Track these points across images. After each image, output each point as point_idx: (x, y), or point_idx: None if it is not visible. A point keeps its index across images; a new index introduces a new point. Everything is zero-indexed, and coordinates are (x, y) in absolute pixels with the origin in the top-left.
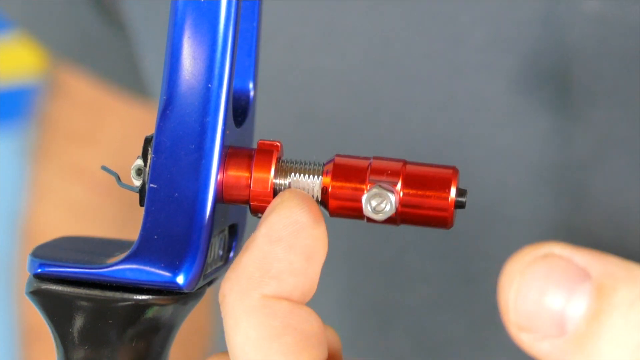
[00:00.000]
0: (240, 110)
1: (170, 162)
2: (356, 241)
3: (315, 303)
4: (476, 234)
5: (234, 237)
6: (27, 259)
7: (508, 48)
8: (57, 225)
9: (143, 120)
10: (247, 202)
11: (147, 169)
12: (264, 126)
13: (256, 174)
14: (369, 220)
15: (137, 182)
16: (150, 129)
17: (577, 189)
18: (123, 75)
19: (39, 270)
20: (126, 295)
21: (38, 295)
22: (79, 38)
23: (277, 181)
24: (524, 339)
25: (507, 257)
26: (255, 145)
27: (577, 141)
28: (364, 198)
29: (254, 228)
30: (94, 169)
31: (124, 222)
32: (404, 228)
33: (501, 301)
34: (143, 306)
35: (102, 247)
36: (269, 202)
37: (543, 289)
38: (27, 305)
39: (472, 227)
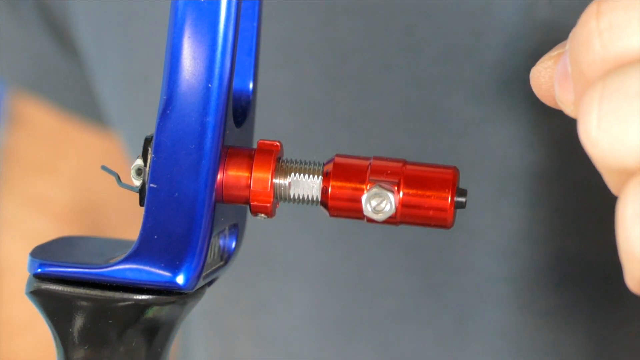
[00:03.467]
0: (240, 110)
1: (171, 162)
2: (321, 255)
3: (280, 317)
4: (438, 246)
5: (234, 237)
6: (27, 259)
7: (465, 58)
8: (18, 257)
9: (103, 149)
10: (247, 202)
11: (147, 168)
12: None
13: (256, 174)
14: (369, 220)
15: (137, 182)
16: (110, 158)
17: (538, 198)
18: (82, 104)
19: (39, 270)
20: (126, 295)
21: (38, 295)
22: (37, 68)
23: (277, 181)
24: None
25: (471, 268)
26: (255, 145)
27: (537, 150)
28: (363, 198)
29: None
30: (54, 199)
31: None
32: (367, 240)
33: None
34: (143, 306)
35: (101, 247)
36: (269, 202)
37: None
38: None
39: (435, 239)
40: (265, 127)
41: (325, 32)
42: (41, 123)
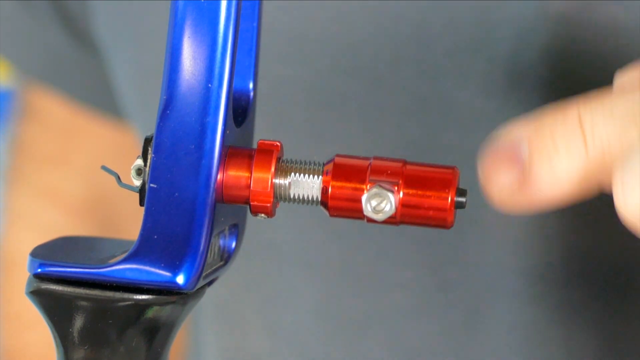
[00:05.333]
0: (240, 110)
1: (171, 162)
2: (331, 249)
3: (290, 310)
4: (449, 240)
5: (234, 237)
6: (27, 259)
7: (477, 52)
8: (30, 250)
9: (115, 141)
10: (247, 202)
11: (147, 168)
12: None
13: (256, 174)
14: (369, 220)
15: (137, 182)
16: (123, 150)
17: None
18: (95, 96)
19: (39, 270)
20: (126, 295)
21: (38, 295)
22: (50, 60)
23: (277, 181)
24: None
25: (481, 262)
26: (255, 145)
27: None
28: (364, 198)
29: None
30: (67, 191)
31: None
32: (377, 235)
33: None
34: (143, 306)
35: (102, 247)
36: (269, 202)
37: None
38: (4, 327)
39: (446, 233)
40: (276, 120)
41: (337, 25)
42: (53, 115)
